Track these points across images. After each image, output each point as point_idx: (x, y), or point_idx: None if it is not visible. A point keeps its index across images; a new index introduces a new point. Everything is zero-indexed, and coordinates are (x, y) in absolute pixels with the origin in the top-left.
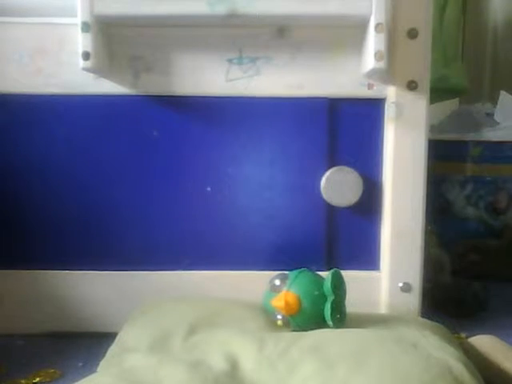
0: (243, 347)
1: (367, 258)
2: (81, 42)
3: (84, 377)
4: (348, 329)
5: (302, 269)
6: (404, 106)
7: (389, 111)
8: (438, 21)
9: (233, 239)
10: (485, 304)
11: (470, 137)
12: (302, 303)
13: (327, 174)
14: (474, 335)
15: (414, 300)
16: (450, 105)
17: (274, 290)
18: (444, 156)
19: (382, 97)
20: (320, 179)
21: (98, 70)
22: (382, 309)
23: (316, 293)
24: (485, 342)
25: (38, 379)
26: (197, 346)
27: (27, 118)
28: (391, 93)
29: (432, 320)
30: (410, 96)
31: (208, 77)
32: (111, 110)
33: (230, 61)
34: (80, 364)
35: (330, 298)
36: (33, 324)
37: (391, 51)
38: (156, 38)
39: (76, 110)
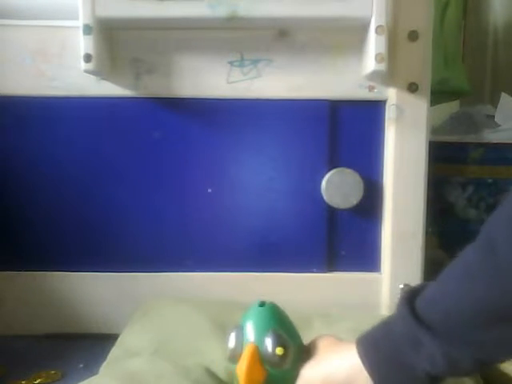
0: None
1: (368, 259)
2: (82, 44)
3: (85, 378)
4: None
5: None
6: (405, 108)
7: (389, 113)
8: (438, 23)
9: (234, 241)
10: None
11: (471, 138)
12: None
13: (328, 175)
14: None
15: None
16: (451, 107)
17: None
18: (445, 158)
19: (383, 99)
20: (321, 181)
21: (99, 73)
22: (383, 310)
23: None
24: None
25: (38, 380)
26: (200, 350)
27: (29, 119)
28: (392, 95)
29: None
30: (410, 98)
31: (209, 79)
32: (113, 111)
33: (231, 63)
34: (81, 365)
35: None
36: (34, 325)
37: (392, 53)
38: (157, 41)
39: (78, 112)
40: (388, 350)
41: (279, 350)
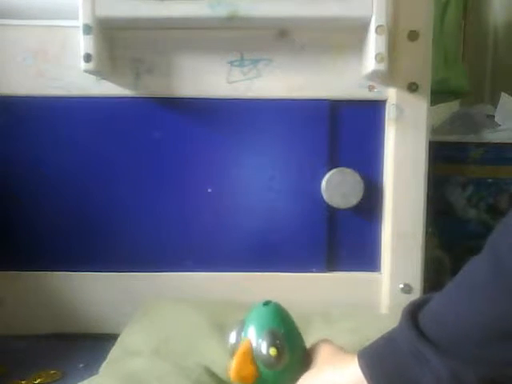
0: None
1: (368, 259)
2: (82, 44)
3: (85, 378)
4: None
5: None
6: (405, 108)
7: (389, 113)
8: (438, 23)
9: (234, 241)
10: None
11: (471, 138)
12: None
13: (328, 175)
14: None
15: None
16: (451, 107)
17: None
18: (445, 158)
19: (383, 99)
20: (321, 181)
21: (99, 72)
22: (383, 310)
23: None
24: None
25: (39, 380)
26: (200, 350)
27: (29, 119)
28: (392, 95)
29: None
30: (410, 98)
31: (209, 79)
32: (113, 111)
33: (231, 63)
34: (81, 365)
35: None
36: (34, 325)
37: (392, 53)
38: (157, 40)
39: (78, 112)
40: (391, 365)
41: (273, 351)
